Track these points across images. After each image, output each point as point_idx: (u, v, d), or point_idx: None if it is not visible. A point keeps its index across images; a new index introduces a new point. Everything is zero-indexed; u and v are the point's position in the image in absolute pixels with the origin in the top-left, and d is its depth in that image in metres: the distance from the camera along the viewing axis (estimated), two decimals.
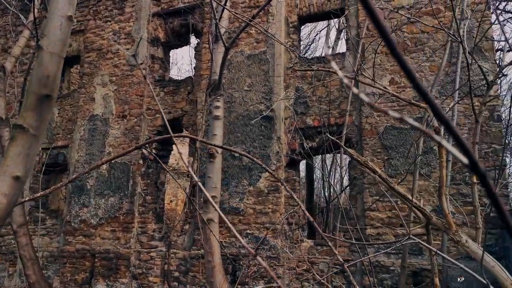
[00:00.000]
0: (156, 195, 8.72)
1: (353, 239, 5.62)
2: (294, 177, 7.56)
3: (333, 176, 13.01)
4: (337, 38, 12.30)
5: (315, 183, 15.49)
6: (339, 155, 8.49)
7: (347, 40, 7.62)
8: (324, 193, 14.01)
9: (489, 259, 2.52)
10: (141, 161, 8.66)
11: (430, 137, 0.36)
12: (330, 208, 11.10)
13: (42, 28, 1.83)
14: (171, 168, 14.82)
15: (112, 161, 8.67)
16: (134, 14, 9.32)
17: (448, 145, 0.36)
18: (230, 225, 0.79)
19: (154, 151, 8.74)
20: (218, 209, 0.81)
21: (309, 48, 13.45)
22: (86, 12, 10.00)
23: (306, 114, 7.56)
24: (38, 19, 8.08)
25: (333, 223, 8.16)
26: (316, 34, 17.59)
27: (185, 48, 9.93)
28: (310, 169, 12.36)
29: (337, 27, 12.43)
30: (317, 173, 16.57)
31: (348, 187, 7.29)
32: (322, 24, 13.97)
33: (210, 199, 0.76)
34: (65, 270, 8.69)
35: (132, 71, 9.09)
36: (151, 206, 8.55)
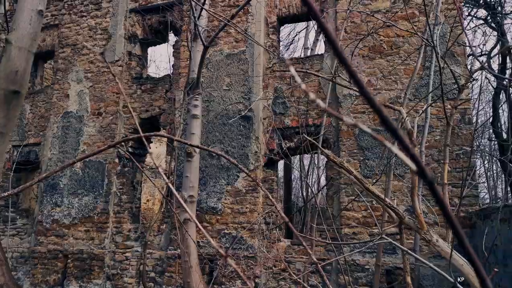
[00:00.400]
0: (132, 195, 8.58)
1: (329, 238, 5.69)
2: (272, 177, 7.59)
3: (310, 176, 13.14)
4: (316, 40, 12.42)
5: (293, 183, 15.61)
6: (316, 155, 8.58)
7: (325, 42, 7.70)
8: (302, 192, 14.14)
9: (458, 258, 2.60)
10: (116, 160, 8.50)
11: (381, 142, 0.36)
12: (308, 208, 11.20)
13: (12, 22, 1.77)
14: (148, 167, 14.61)
15: (87, 160, 8.47)
16: (111, 9, 9.13)
17: (398, 150, 0.36)
18: (200, 226, 0.78)
19: (130, 149, 8.60)
20: (189, 212, 0.80)
21: (288, 48, 13.53)
22: (61, 6, 9.73)
23: (285, 115, 7.60)
24: (10, 12, 7.81)
25: (310, 222, 8.24)
26: (295, 35, 17.72)
27: (164, 45, 9.78)
28: (288, 169, 12.44)
29: (316, 29, 12.56)
30: (295, 173, 16.70)
31: (325, 187, 7.38)
32: (301, 25, 14.08)
33: (181, 201, 0.75)
34: (36, 271, 8.43)
35: (109, 68, 8.91)
36: (127, 206, 8.40)
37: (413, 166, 0.33)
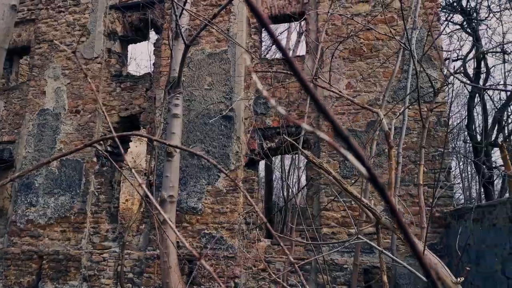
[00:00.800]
0: (111, 194, 8.43)
1: (309, 238, 5.74)
2: (253, 177, 7.60)
3: (291, 176, 13.22)
4: (298, 41, 12.51)
5: (275, 182, 15.68)
6: (297, 156, 8.64)
7: (306, 43, 7.77)
8: (282, 193, 14.22)
9: (432, 257, 2.67)
10: (94, 159, 8.34)
11: (336, 149, 0.37)
12: (288, 208, 11.27)
13: None
14: (128, 166, 14.39)
15: (63, 158, 8.27)
16: (90, 5, 8.94)
17: (352, 158, 0.37)
18: (173, 227, 0.78)
19: (109, 148, 8.45)
20: (163, 212, 0.79)
21: (270, 49, 13.57)
22: (38, 0, 9.47)
23: (266, 115, 7.63)
24: None
25: (290, 223, 8.30)
26: (277, 36, 17.79)
27: (145, 43, 9.66)
28: (269, 169, 12.49)
29: (298, 30, 12.65)
30: (277, 173, 16.78)
31: (305, 188, 7.44)
32: (283, 26, 14.15)
33: (156, 203, 0.75)
34: (9, 273, 8.18)
35: (87, 65, 8.73)
36: (105, 206, 8.25)
37: (365, 173, 0.34)
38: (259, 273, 7.00)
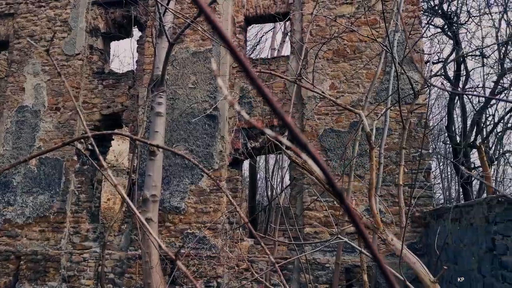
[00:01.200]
0: (92, 193, 8.29)
1: (292, 238, 5.77)
2: (237, 177, 7.59)
3: (275, 176, 13.26)
4: (283, 41, 12.55)
5: (259, 182, 15.70)
6: (281, 155, 8.68)
7: (291, 43, 7.80)
8: (266, 192, 14.25)
9: (411, 256, 2.71)
10: (75, 157, 8.19)
11: (297, 155, 0.37)
12: (272, 207, 11.30)
13: None
14: (110, 165, 14.17)
15: (43, 157, 8.09)
16: (72, 1, 8.77)
17: (313, 164, 0.38)
18: (150, 230, 0.76)
19: (90, 146, 8.30)
20: (138, 213, 0.78)
21: (255, 48, 13.58)
22: None
23: (250, 114, 7.62)
24: None
25: (273, 222, 8.32)
26: (262, 36, 17.81)
27: (128, 40, 9.52)
28: (253, 169, 12.50)
29: (283, 30, 12.69)
30: (261, 173, 16.79)
31: (288, 187, 7.47)
32: (269, 26, 14.18)
33: (134, 208, 0.73)
34: None
35: (68, 61, 8.55)
36: (86, 205, 8.11)
37: (323, 178, 0.35)
38: (242, 273, 7.00)
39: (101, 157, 0.85)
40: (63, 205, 7.97)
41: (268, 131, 0.39)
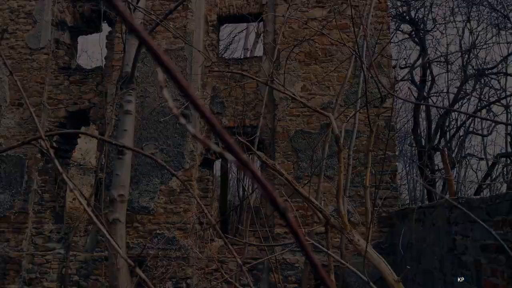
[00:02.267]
0: (56, 193, 7.99)
1: (262, 238, 5.79)
2: (208, 176, 7.54)
3: (247, 176, 13.25)
4: (256, 42, 12.58)
5: (231, 182, 15.66)
6: (252, 156, 8.69)
7: (264, 44, 7.83)
8: (238, 192, 14.24)
9: (376, 256, 2.79)
10: (39, 155, 7.86)
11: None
12: (244, 207, 11.29)
13: None
14: (76, 163, 13.72)
15: (4, 154, 7.72)
16: None
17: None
18: (109, 236, 0.74)
19: (55, 144, 8.00)
20: (91, 214, 0.75)
21: (228, 48, 13.53)
22: None
23: (222, 114, 7.59)
24: None
25: (242, 224, 8.32)
26: (235, 36, 17.78)
27: (97, 35, 9.24)
28: (225, 169, 12.44)
29: (256, 31, 12.72)
30: (233, 173, 16.74)
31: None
32: (242, 26, 14.16)
33: (91, 213, 0.71)
34: None
35: (32, 55, 8.20)
36: (49, 205, 7.81)
37: (263, 193, 0.35)
38: (212, 273, 6.96)
39: (56, 162, 0.81)
40: (25, 204, 7.65)
41: (213, 146, 0.39)
